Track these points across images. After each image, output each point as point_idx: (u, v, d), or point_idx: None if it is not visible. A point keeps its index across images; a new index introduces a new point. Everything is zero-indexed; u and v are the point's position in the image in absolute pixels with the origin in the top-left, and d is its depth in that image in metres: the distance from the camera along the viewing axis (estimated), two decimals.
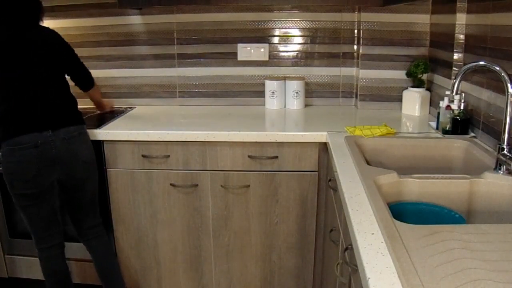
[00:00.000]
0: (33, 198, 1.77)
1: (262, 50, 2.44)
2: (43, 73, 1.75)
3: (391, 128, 1.83)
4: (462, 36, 1.88)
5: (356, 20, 2.35)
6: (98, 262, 1.98)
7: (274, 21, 2.41)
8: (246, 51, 2.45)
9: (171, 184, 2.01)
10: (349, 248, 1.12)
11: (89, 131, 1.99)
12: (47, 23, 2.47)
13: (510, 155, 1.32)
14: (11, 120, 1.71)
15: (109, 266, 1.99)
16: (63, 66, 1.86)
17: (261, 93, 2.47)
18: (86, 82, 2.04)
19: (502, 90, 1.36)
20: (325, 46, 2.42)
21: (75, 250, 2.17)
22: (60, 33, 2.65)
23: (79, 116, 1.88)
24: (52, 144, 1.73)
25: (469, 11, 1.83)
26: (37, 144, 1.70)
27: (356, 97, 2.43)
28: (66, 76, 1.90)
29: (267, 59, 2.46)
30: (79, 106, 1.90)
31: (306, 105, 2.44)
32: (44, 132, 1.71)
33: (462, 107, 1.77)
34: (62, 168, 1.78)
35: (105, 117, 2.24)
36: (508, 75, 1.29)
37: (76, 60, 1.96)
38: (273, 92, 2.38)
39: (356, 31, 2.37)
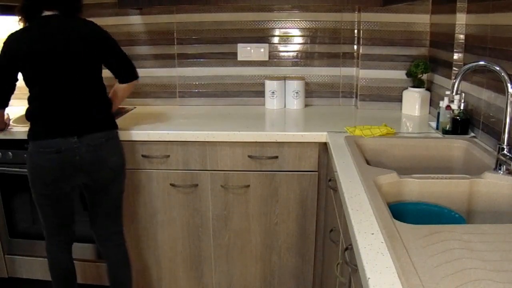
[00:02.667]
0: (51, 199, 1.75)
1: (262, 50, 2.44)
2: (76, 73, 1.69)
3: (391, 128, 1.83)
4: (462, 36, 1.88)
5: (356, 20, 2.35)
6: (113, 271, 1.93)
7: (274, 21, 2.41)
8: (246, 51, 2.45)
9: (171, 184, 2.01)
10: (349, 248, 1.12)
11: None
12: None
13: (510, 155, 1.32)
14: (39, 121, 1.69)
15: (123, 277, 1.94)
16: (100, 65, 1.79)
17: (261, 93, 2.47)
18: (129, 73, 1.88)
19: (502, 90, 1.36)
20: (325, 46, 2.42)
21: (75, 250, 2.16)
22: None
23: (110, 120, 1.82)
24: (76, 151, 1.68)
25: (469, 11, 1.83)
26: (60, 150, 1.66)
27: (356, 97, 2.43)
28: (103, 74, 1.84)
29: (267, 59, 2.46)
30: None
31: (306, 105, 2.44)
32: (68, 138, 1.67)
33: (462, 107, 1.77)
34: (87, 174, 1.74)
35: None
36: (508, 75, 1.29)
37: (118, 53, 1.84)
38: (273, 92, 2.38)
39: (356, 31, 2.37)
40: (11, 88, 1.75)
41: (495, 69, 1.31)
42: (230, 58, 2.47)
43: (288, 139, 1.91)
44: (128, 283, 1.94)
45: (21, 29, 1.70)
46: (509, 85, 1.28)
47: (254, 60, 2.47)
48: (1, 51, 1.69)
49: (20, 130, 2.04)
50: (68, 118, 1.69)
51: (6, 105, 1.82)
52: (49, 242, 1.86)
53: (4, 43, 1.67)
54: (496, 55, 1.56)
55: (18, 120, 2.23)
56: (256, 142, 1.93)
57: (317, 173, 1.96)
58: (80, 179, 1.75)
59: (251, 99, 2.52)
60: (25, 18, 1.72)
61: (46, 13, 1.69)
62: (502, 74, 1.29)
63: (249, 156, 1.95)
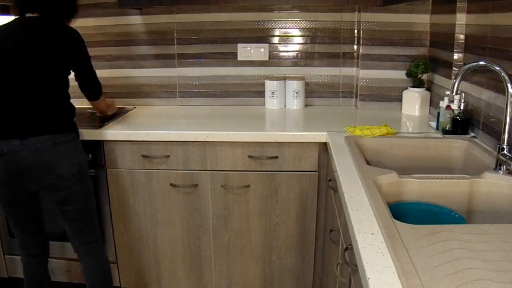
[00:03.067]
0: (10, 205, 1.71)
1: (262, 50, 2.44)
2: (33, 77, 1.62)
3: (391, 128, 1.83)
4: (462, 36, 1.88)
5: (356, 20, 2.35)
6: (89, 283, 1.83)
7: (274, 21, 2.41)
8: (246, 51, 2.45)
9: (171, 184, 2.01)
10: (349, 248, 1.12)
11: (89, 131, 1.99)
12: None
13: (510, 155, 1.32)
14: None
15: None
16: (65, 74, 1.72)
17: (261, 93, 2.47)
18: (91, 94, 1.88)
19: (502, 90, 1.36)
20: (325, 46, 2.42)
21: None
22: None
23: (62, 124, 1.69)
24: (18, 154, 1.60)
25: (469, 11, 1.83)
26: (2, 152, 1.60)
27: (356, 97, 2.43)
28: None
29: (267, 59, 2.46)
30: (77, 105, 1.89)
31: (306, 105, 2.44)
32: (11, 140, 1.59)
33: (462, 107, 1.77)
34: (34, 180, 1.66)
35: (105, 117, 2.24)
36: (508, 75, 1.29)
37: (85, 69, 1.79)
38: (273, 92, 2.38)
39: (356, 31, 2.37)
40: None
41: (495, 69, 1.31)
42: (230, 58, 2.47)
43: (288, 139, 1.91)
44: None
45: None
46: (509, 85, 1.28)
47: (254, 60, 2.47)
48: None
49: None
50: (13, 120, 1.62)
51: None
52: (21, 253, 1.83)
53: None
54: (496, 55, 1.56)
55: None
56: (256, 142, 1.93)
57: (317, 173, 1.96)
58: (30, 185, 1.67)
59: (251, 99, 2.52)
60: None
61: (28, 14, 1.67)
62: (502, 74, 1.29)
63: (249, 156, 1.95)
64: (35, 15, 1.67)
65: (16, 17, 1.67)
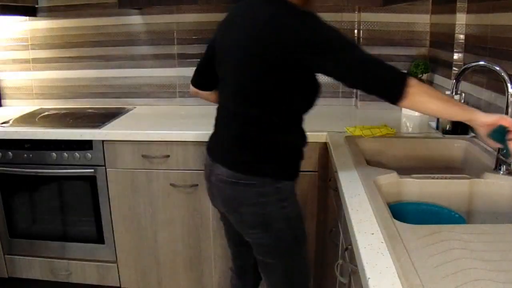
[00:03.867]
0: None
1: None
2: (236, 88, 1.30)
3: (391, 128, 1.83)
4: (462, 36, 1.88)
5: (356, 20, 2.35)
6: None
7: None
8: None
9: (171, 184, 2.01)
10: (349, 248, 1.12)
11: (89, 131, 1.99)
12: (47, 23, 2.50)
13: None
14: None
15: None
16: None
17: None
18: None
19: (502, 90, 1.36)
20: None
21: (75, 250, 2.17)
22: (60, 33, 2.66)
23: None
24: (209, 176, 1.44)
25: (469, 11, 1.83)
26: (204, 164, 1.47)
27: (356, 97, 2.43)
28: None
29: None
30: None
31: None
32: (209, 156, 1.43)
33: None
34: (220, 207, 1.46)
35: (105, 116, 2.24)
36: (508, 75, 1.29)
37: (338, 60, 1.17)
38: None
39: (356, 31, 2.36)
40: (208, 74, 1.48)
41: (495, 69, 1.31)
42: None
43: None
44: None
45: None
46: (509, 85, 1.28)
47: None
48: None
49: (20, 130, 2.04)
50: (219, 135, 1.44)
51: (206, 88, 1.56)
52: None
53: None
54: (496, 55, 1.56)
55: (18, 120, 2.24)
56: None
57: (317, 173, 1.96)
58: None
59: None
60: None
61: None
62: (502, 74, 1.29)
63: None
64: None
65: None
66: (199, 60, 1.55)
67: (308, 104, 1.32)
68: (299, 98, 1.29)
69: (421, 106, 1.16)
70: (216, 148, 1.38)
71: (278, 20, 1.18)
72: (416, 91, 1.12)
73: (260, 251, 1.39)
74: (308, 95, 1.31)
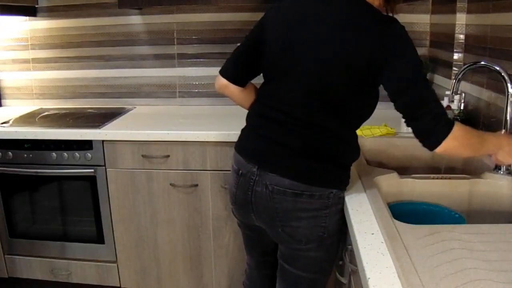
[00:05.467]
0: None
1: None
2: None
3: (391, 128, 1.83)
4: (462, 36, 1.88)
5: None
6: None
7: None
8: None
9: (171, 184, 2.01)
10: (349, 248, 1.12)
11: (89, 131, 1.99)
12: (47, 23, 2.50)
13: None
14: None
15: None
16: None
17: None
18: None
19: (502, 90, 1.36)
20: None
21: (75, 250, 2.17)
22: (60, 33, 2.66)
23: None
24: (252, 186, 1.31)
25: (469, 11, 1.83)
26: (238, 172, 1.33)
27: None
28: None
29: None
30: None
31: None
32: (250, 163, 1.29)
33: (462, 107, 1.77)
34: (258, 220, 1.35)
35: (105, 116, 2.24)
36: (508, 75, 1.29)
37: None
38: None
39: None
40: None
41: (495, 69, 1.31)
42: None
43: None
44: None
45: None
46: (509, 85, 1.28)
47: None
48: None
49: (20, 130, 2.04)
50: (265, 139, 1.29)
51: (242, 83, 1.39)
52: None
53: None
54: (496, 55, 1.56)
55: (18, 120, 2.24)
56: None
57: None
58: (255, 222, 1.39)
59: None
60: None
61: None
62: (502, 74, 1.29)
63: None
64: None
65: None
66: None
67: (370, 114, 1.27)
68: (368, 109, 1.25)
69: (454, 154, 1.20)
70: (268, 155, 1.23)
71: (368, 25, 1.12)
72: (455, 145, 1.09)
73: (299, 264, 1.30)
74: (373, 105, 1.26)
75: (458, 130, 1.08)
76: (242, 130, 1.37)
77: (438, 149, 1.09)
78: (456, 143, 1.09)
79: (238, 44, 1.37)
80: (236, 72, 1.36)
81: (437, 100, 1.10)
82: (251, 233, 1.46)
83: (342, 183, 1.24)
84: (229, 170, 1.96)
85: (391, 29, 1.12)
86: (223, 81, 1.37)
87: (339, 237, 1.30)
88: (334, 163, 1.22)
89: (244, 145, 1.32)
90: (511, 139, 1.20)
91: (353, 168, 1.42)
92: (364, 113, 1.26)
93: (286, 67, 1.21)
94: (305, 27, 1.17)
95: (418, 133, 1.11)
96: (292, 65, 1.20)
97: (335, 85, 1.16)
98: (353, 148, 1.27)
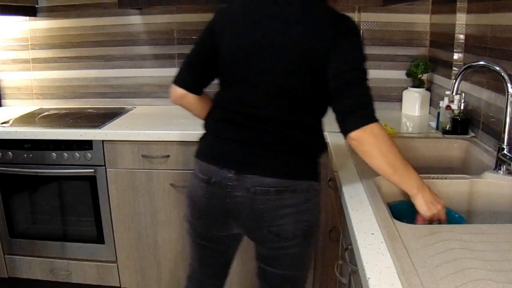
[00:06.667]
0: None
1: None
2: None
3: (391, 128, 1.83)
4: (462, 36, 1.88)
5: (356, 20, 2.35)
6: None
7: None
8: None
9: (171, 184, 2.01)
10: (349, 248, 1.12)
11: (89, 131, 1.99)
12: (47, 23, 2.50)
13: (510, 155, 1.32)
14: None
15: None
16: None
17: None
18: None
19: (502, 90, 1.36)
20: None
21: (75, 250, 2.17)
22: (60, 33, 2.66)
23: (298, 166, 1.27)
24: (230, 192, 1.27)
25: (469, 11, 1.83)
26: (209, 181, 1.29)
27: None
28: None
29: None
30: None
31: None
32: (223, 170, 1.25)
33: (462, 107, 1.77)
34: (241, 228, 1.34)
35: (105, 116, 2.24)
36: (508, 75, 1.29)
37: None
38: None
39: None
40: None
41: (495, 69, 1.31)
42: None
43: None
44: None
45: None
46: (509, 85, 1.28)
47: None
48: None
49: (20, 130, 2.04)
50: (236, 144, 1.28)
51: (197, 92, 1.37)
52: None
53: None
54: (496, 55, 1.56)
55: (18, 120, 2.24)
56: None
57: None
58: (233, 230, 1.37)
59: None
60: None
61: None
62: (502, 74, 1.29)
63: None
64: None
65: None
66: (189, 58, 1.37)
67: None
68: (328, 99, 1.23)
69: (367, 152, 1.12)
70: (244, 158, 1.21)
71: (323, 22, 1.17)
72: (371, 142, 1.10)
73: (284, 263, 1.29)
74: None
75: (379, 129, 1.10)
76: (202, 139, 1.35)
77: (352, 135, 1.10)
78: (373, 140, 1.09)
79: (188, 53, 1.35)
80: (192, 80, 1.34)
81: (369, 95, 1.15)
82: (216, 246, 1.40)
83: (317, 175, 1.26)
84: None
85: (345, 24, 1.18)
86: (180, 91, 1.34)
87: (318, 230, 1.32)
88: (308, 156, 1.24)
89: (212, 152, 1.28)
90: (431, 191, 1.15)
91: (353, 168, 1.42)
92: (327, 106, 1.28)
93: (246, 70, 1.22)
94: (261, 29, 1.18)
95: (337, 113, 1.15)
96: (253, 67, 1.20)
97: (298, 81, 1.19)
98: (322, 140, 1.29)
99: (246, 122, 1.22)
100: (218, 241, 1.38)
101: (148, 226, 2.09)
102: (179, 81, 1.35)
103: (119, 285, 2.20)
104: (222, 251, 1.43)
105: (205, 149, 1.31)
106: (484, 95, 1.67)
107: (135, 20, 2.45)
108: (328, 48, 1.14)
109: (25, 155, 2.05)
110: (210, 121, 1.33)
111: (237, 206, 1.23)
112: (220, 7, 1.30)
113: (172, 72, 2.50)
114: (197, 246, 1.41)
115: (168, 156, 1.99)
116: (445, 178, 1.30)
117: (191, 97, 1.35)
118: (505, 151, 1.33)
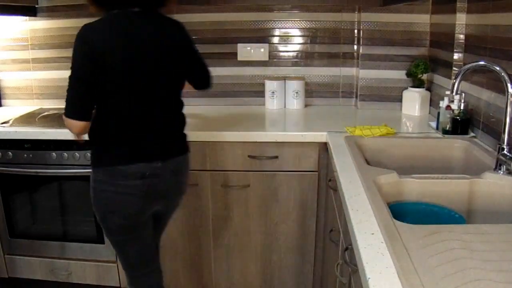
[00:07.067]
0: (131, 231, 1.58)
1: (262, 50, 2.44)
2: (162, 85, 1.49)
3: (391, 128, 1.83)
4: (462, 36, 1.88)
5: (356, 20, 2.35)
6: None
7: (274, 21, 2.41)
8: (246, 51, 2.45)
9: None
10: (349, 248, 1.12)
11: None
12: (47, 23, 2.49)
13: (510, 155, 1.32)
14: (120, 141, 1.47)
15: None
16: (184, 77, 1.62)
17: (261, 93, 2.47)
18: (205, 82, 1.76)
19: (502, 90, 1.36)
20: (325, 46, 2.42)
21: (75, 250, 2.17)
22: (60, 33, 2.66)
23: (187, 142, 1.66)
24: (161, 177, 1.51)
25: (469, 11, 1.83)
26: (144, 175, 1.46)
27: (356, 97, 2.43)
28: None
29: (267, 59, 2.46)
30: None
31: (306, 105, 2.44)
32: (153, 162, 1.48)
33: (462, 107, 1.77)
34: (165, 201, 1.61)
35: None
36: (508, 75, 1.29)
37: (198, 60, 1.70)
38: (273, 92, 2.38)
39: (356, 31, 2.37)
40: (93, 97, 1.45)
41: (495, 69, 1.31)
42: (230, 58, 2.47)
43: (288, 139, 1.91)
44: None
45: (100, 22, 1.47)
46: (509, 85, 1.28)
47: (254, 60, 2.47)
48: (79, 46, 1.42)
49: (20, 130, 2.04)
50: (153, 139, 1.50)
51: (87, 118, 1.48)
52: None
53: (82, 36, 1.43)
54: (496, 55, 1.56)
55: (18, 120, 2.24)
56: (256, 142, 1.93)
57: (317, 173, 1.96)
58: (157, 208, 1.60)
59: (251, 99, 2.51)
60: (102, 7, 1.53)
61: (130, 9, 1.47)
62: (502, 74, 1.29)
63: (249, 156, 1.95)
64: (137, 9, 1.46)
65: (113, 11, 1.48)
66: (77, 89, 1.47)
67: None
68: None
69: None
70: (163, 148, 1.52)
71: (174, 28, 1.61)
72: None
73: (173, 211, 1.75)
74: None
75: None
76: (114, 149, 1.48)
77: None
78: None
79: (70, 81, 1.50)
80: (88, 111, 1.46)
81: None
82: (152, 221, 1.65)
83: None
84: (229, 170, 1.97)
85: (183, 28, 1.63)
86: (83, 124, 1.45)
87: None
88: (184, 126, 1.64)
89: (135, 154, 1.46)
90: None
91: (353, 168, 1.42)
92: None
93: (133, 80, 1.42)
94: (138, 43, 1.42)
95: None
96: (139, 76, 1.42)
97: (176, 78, 1.55)
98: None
99: (148, 121, 1.49)
100: (148, 217, 1.62)
101: None
102: (79, 115, 1.46)
103: (119, 285, 2.20)
104: (150, 243, 1.70)
105: (124, 155, 1.48)
106: (484, 95, 1.67)
107: None
108: (184, 44, 1.67)
109: (25, 155, 2.05)
110: (112, 132, 1.48)
111: (166, 187, 1.57)
112: (89, 32, 1.45)
113: None
114: (138, 246, 1.65)
115: None
116: (445, 178, 1.30)
117: (87, 125, 1.49)
118: (505, 151, 1.33)
